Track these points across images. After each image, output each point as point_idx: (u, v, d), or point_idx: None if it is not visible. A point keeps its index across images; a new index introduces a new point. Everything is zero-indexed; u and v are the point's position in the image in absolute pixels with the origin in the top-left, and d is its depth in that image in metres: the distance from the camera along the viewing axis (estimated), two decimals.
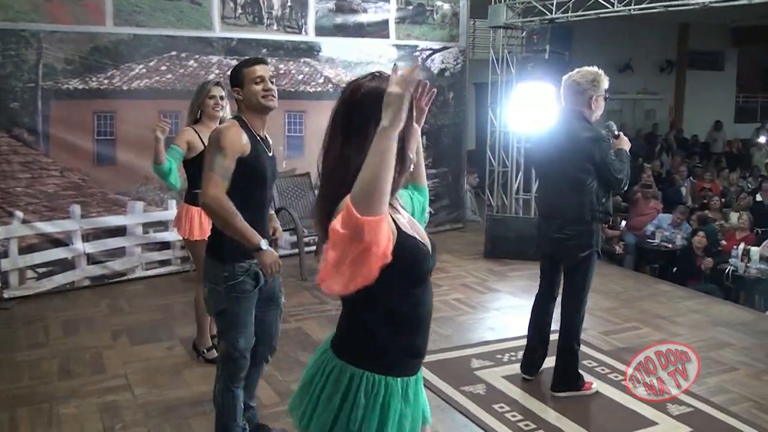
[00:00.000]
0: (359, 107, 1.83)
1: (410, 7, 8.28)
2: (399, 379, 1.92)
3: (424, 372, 4.98)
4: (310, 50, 7.59)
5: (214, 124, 4.37)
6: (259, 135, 3.28)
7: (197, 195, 3.28)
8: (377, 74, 1.90)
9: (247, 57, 3.78)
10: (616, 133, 4.33)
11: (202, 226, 4.45)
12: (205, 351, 4.81)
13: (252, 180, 3.23)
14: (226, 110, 4.58)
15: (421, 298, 1.94)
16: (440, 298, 6.18)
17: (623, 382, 4.56)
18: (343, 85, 2.11)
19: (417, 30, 8.39)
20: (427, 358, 5.42)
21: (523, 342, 4.66)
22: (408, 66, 1.64)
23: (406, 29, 8.28)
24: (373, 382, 1.86)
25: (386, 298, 1.84)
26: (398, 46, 8.17)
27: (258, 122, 3.28)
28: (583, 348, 4.50)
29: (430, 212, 2.72)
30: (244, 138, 3.17)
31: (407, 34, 8.29)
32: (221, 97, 4.52)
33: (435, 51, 8.57)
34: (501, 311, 6.13)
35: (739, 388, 4.57)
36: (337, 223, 1.53)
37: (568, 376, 4.38)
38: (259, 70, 3.21)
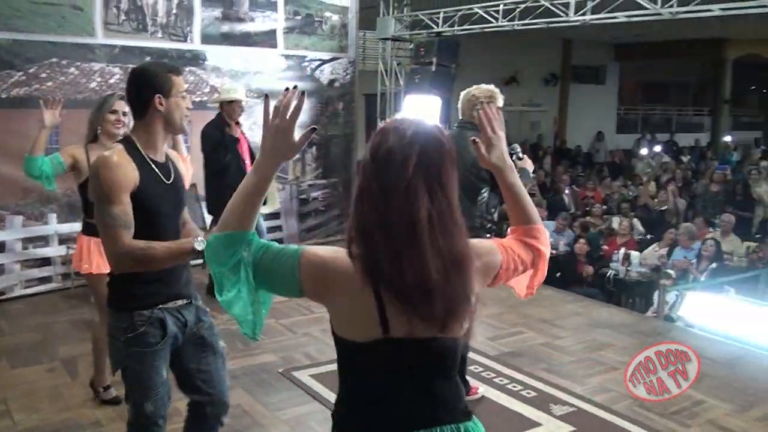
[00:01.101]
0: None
1: (299, 18, 8.26)
2: None
3: (313, 381, 4.92)
4: (196, 59, 7.47)
5: (112, 143, 3.71)
6: (152, 159, 2.67)
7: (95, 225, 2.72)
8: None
9: (164, 61, 3.33)
10: (521, 155, 4.20)
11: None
12: (102, 390, 4.30)
13: (141, 217, 2.59)
14: (129, 128, 3.95)
15: None
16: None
17: (508, 386, 4.68)
18: None
19: (306, 40, 8.38)
20: (320, 369, 5.36)
21: None
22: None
23: (295, 39, 8.26)
24: None
25: None
26: (286, 56, 8.14)
27: (159, 142, 2.69)
28: (469, 353, 4.58)
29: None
30: (130, 168, 2.57)
31: (296, 44, 8.27)
32: (124, 113, 3.93)
33: (324, 62, 8.59)
34: None
35: (620, 387, 4.67)
36: (544, 248, 1.96)
37: None
38: (184, 83, 2.69)
